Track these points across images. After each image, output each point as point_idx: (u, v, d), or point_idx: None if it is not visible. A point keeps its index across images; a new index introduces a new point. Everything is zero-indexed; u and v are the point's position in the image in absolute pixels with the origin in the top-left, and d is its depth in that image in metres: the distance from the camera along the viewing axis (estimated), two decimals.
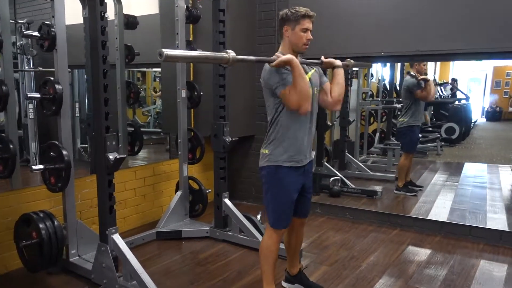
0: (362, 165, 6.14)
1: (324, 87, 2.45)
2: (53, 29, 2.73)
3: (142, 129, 4.99)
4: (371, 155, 7.61)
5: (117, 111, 4.18)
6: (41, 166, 2.74)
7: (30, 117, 5.81)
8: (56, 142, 2.82)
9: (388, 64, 7.87)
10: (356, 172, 6.12)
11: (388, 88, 8.04)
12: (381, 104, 7.39)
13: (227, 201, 3.53)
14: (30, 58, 5.68)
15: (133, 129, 4.27)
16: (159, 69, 5.11)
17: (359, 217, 4.19)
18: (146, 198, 4.02)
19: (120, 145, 4.18)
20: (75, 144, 4.65)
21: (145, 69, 5.46)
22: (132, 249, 3.32)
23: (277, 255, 2.47)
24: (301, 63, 2.29)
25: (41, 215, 2.74)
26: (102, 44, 2.56)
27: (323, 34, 4.06)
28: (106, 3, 2.59)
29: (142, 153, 4.55)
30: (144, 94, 6.00)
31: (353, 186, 5.17)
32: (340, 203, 4.60)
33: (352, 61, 2.77)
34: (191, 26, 4.25)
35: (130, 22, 4.12)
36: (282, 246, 2.87)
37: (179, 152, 3.78)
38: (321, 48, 3.98)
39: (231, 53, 1.93)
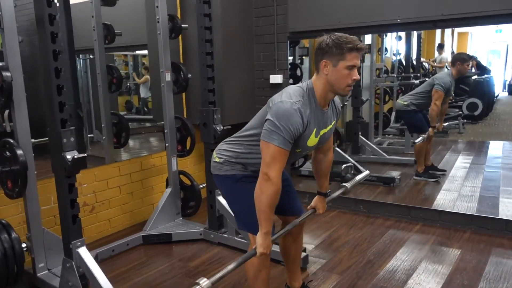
0: (377, 148, 5.60)
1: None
2: None
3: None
4: (387, 135, 7.05)
5: (98, 99, 3.75)
6: None
7: None
8: (11, 140, 2.38)
9: (403, 37, 7.24)
10: (371, 156, 5.60)
11: (404, 64, 7.41)
12: (397, 81, 6.79)
13: (221, 198, 3.06)
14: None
15: (118, 119, 3.82)
16: (145, 51, 4.62)
17: (374, 210, 3.69)
18: (134, 196, 3.59)
19: (104, 137, 3.75)
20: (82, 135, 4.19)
21: (128, 52, 4.98)
22: (114, 256, 2.95)
23: (268, 269, 2.02)
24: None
25: None
26: (50, 18, 2.08)
27: (328, 2, 3.52)
28: None
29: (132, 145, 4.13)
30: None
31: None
32: (354, 193, 4.11)
33: (348, 185, 2.39)
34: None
35: None
36: (277, 248, 2.42)
37: (166, 144, 3.31)
38: (328, 19, 3.47)
39: (204, 283, 1.55)
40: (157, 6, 3.12)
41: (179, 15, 3.80)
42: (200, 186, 3.36)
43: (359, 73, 5.36)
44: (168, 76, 3.21)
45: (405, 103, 4.54)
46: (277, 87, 3.98)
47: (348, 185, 2.29)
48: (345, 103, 5.45)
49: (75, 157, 2.10)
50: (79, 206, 2.29)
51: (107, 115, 3.73)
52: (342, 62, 1.70)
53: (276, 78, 3.94)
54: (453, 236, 3.18)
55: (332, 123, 1.93)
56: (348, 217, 3.65)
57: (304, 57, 5.85)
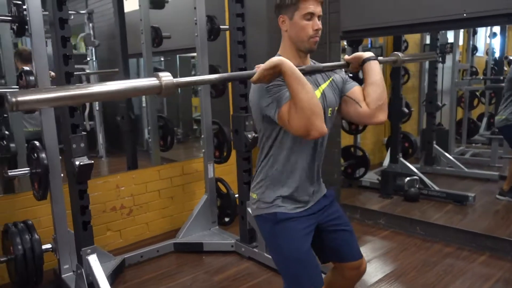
0: (454, 160, 4.97)
1: (351, 95, 1.64)
2: (24, 9, 2.31)
3: None
4: (473, 144, 6.25)
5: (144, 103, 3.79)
6: (16, 172, 2.38)
7: (96, 108, 5.78)
8: (37, 143, 2.43)
9: (498, 32, 6.38)
10: (447, 168, 5.00)
11: (497, 64, 6.52)
12: (485, 84, 6.00)
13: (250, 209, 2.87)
14: (92, 49, 5.59)
15: (164, 122, 3.83)
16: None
17: (433, 233, 3.21)
18: (174, 200, 3.54)
19: (150, 139, 3.78)
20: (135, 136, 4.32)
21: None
22: (142, 262, 2.91)
23: None
24: (313, 71, 1.56)
25: (19, 227, 2.39)
26: (60, 22, 2.06)
27: None
28: None
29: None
30: None
31: (437, 188, 4.13)
32: (413, 210, 3.66)
33: (400, 54, 1.89)
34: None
35: (157, 1, 3.64)
36: None
37: (203, 150, 3.20)
38: (382, 16, 3.10)
39: (165, 78, 1.21)
40: (195, 8, 3.02)
41: (226, 17, 3.67)
42: (236, 195, 3.20)
43: (435, 75, 4.80)
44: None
45: (502, 117, 3.82)
46: None
47: (401, 54, 1.87)
48: (412, 109, 4.87)
49: (81, 163, 2.06)
50: (90, 212, 2.26)
51: (153, 118, 3.75)
52: (297, 12, 1.51)
53: None
54: None
55: (327, 82, 1.62)
56: (401, 239, 3.23)
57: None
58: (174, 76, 1.23)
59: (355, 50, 4.72)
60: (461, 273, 2.66)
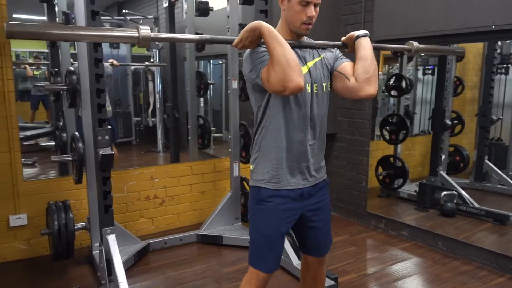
0: (506, 177, 4.68)
1: (341, 70, 1.70)
2: (73, 16, 2.68)
3: None
4: None
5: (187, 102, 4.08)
6: (60, 157, 2.76)
7: (157, 106, 6.28)
8: (76, 134, 2.80)
9: None
10: (498, 185, 4.73)
11: None
12: None
13: None
14: (156, 51, 6.09)
15: (202, 122, 4.10)
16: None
17: (455, 249, 3.11)
18: (205, 195, 3.79)
19: (189, 137, 4.07)
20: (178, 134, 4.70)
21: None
22: (166, 249, 3.18)
23: None
24: (300, 46, 1.67)
25: (58, 205, 2.76)
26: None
27: (414, 8, 3.13)
28: None
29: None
30: None
31: (476, 204, 3.95)
32: (447, 226, 3.57)
33: (415, 43, 1.95)
34: None
35: (202, 9, 3.91)
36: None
37: (230, 150, 3.41)
38: (413, 26, 3.10)
39: (144, 31, 1.39)
40: (228, 16, 3.24)
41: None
42: None
43: (490, 87, 4.54)
44: (234, 84, 3.30)
45: None
46: (360, 100, 3.70)
47: (416, 44, 1.94)
48: (455, 122, 4.66)
49: (103, 153, 2.36)
50: (111, 197, 2.55)
51: (193, 118, 4.04)
52: None
53: None
54: None
55: (317, 59, 1.70)
56: (421, 252, 3.18)
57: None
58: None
59: (401, 59, 4.66)
60: None
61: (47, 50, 6.07)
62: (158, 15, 6.16)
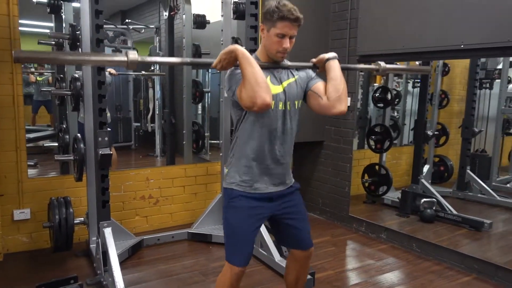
0: (486, 187, 4.91)
1: (314, 89, 1.92)
2: (79, 29, 2.94)
3: None
4: None
5: (183, 109, 4.32)
6: (63, 157, 3.00)
7: (156, 112, 6.54)
8: (79, 135, 3.04)
9: None
10: (479, 195, 4.96)
11: None
12: None
13: None
14: None
15: (197, 127, 4.35)
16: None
17: (427, 251, 3.34)
18: (198, 197, 4.02)
19: (184, 142, 4.31)
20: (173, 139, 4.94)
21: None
22: (158, 245, 3.41)
23: None
24: (272, 67, 1.89)
25: (60, 201, 2.99)
26: (97, 41, 2.62)
27: (393, 28, 3.39)
28: None
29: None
30: None
31: (454, 211, 4.18)
32: (425, 230, 3.79)
33: (382, 63, 2.20)
34: None
35: (199, 22, 4.18)
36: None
37: (220, 154, 3.65)
38: (392, 44, 3.36)
39: (131, 55, 1.63)
40: (222, 30, 3.50)
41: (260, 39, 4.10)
42: None
43: (472, 101, 4.74)
44: (226, 93, 3.54)
45: None
46: None
47: (383, 64, 2.18)
48: (435, 133, 4.89)
49: (101, 153, 2.60)
50: (109, 194, 2.79)
51: (188, 124, 4.28)
52: (273, 29, 1.79)
53: None
54: None
55: (290, 79, 1.93)
56: (395, 253, 3.41)
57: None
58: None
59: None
60: None
61: None
62: (159, 25, 6.43)
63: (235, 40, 3.57)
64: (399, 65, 2.63)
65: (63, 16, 3.53)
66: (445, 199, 4.42)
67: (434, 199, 4.25)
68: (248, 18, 3.17)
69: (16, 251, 3.23)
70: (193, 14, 4.18)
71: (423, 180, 4.53)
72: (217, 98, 6.24)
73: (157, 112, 6.51)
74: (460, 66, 5.72)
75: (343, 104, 1.87)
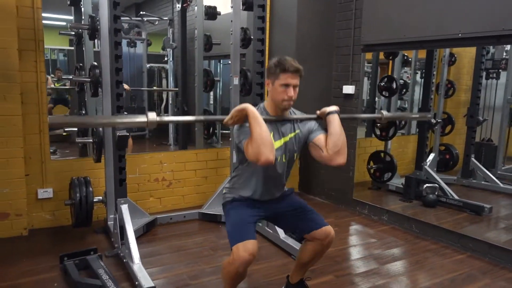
0: (490, 174, 5.03)
1: (316, 142, 2.12)
2: (98, 20, 3.14)
3: None
4: None
5: (195, 97, 4.52)
6: (83, 139, 3.24)
7: (170, 102, 6.77)
8: None
9: None
10: (482, 182, 5.08)
11: None
12: None
13: None
14: (170, 51, 6.55)
15: (208, 115, 4.54)
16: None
17: (426, 232, 3.50)
18: (208, 180, 4.23)
19: (196, 128, 4.51)
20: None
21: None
22: (171, 223, 3.65)
23: (235, 281, 2.11)
24: (275, 120, 2.10)
25: (80, 180, 3.23)
26: (115, 31, 2.82)
27: (395, 17, 3.52)
28: None
29: None
30: None
31: (456, 197, 4.31)
32: (427, 214, 3.93)
33: (384, 112, 2.42)
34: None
35: (210, 13, 4.36)
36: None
37: (230, 139, 3.84)
38: (395, 33, 3.50)
39: (151, 116, 1.81)
40: (231, 20, 3.67)
41: (267, 29, 4.27)
42: None
43: (478, 90, 4.83)
44: (236, 80, 3.73)
45: None
46: (350, 98, 4.11)
47: (385, 113, 2.40)
48: (438, 121, 5.02)
49: (119, 134, 2.82)
50: (126, 173, 3.01)
51: (199, 111, 4.48)
52: (277, 81, 2.02)
53: (348, 89, 4.07)
54: (492, 272, 2.86)
55: (291, 134, 2.15)
56: (395, 233, 3.57)
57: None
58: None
59: (392, 62, 5.04)
60: (430, 265, 2.98)
61: (69, 48, 6.59)
62: (172, 17, 6.62)
63: (244, 31, 3.73)
64: (400, 113, 2.82)
65: (82, 8, 3.74)
66: (450, 186, 4.57)
67: (436, 185, 4.39)
68: (256, 9, 3.34)
69: (40, 227, 3.48)
70: (205, 5, 4.36)
71: (427, 167, 4.67)
72: (228, 89, 6.47)
73: (170, 102, 6.74)
74: (468, 57, 5.79)
75: (341, 157, 2.05)
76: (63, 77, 5.26)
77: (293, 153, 2.17)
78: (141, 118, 1.83)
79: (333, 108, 2.13)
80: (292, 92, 2.02)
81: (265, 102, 2.16)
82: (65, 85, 6.32)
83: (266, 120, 1.96)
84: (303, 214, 2.28)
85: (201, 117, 1.94)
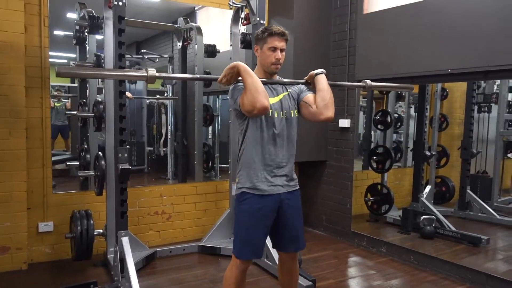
0: (486, 206, 5.08)
1: (305, 100, 2.23)
2: (103, 58, 3.29)
3: None
4: None
5: (195, 131, 4.62)
6: (85, 173, 3.31)
7: (169, 137, 6.84)
8: (100, 153, 3.34)
9: None
10: (479, 214, 5.12)
11: None
12: None
13: None
14: (170, 87, 6.71)
15: (208, 148, 4.64)
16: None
17: (424, 263, 3.52)
18: (207, 213, 4.27)
19: (195, 161, 4.59)
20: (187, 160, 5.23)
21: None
22: (170, 256, 3.66)
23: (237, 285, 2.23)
24: (277, 83, 2.23)
25: (81, 213, 3.26)
26: (119, 68, 2.95)
27: (386, 55, 3.69)
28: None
29: None
30: None
31: (453, 228, 4.35)
32: (425, 246, 3.96)
33: (368, 81, 2.49)
34: None
35: (210, 51, 4.53)
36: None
37: (229, 172, 3.91)
38: (386, 69, 3.65)
39: (150, 71, 1.94)
40: (230, 58, 3.83)
41: None
42: None
43: (470, 124, 4.94)
44: (229, 106, 3.84)
45: None
46: (346, 131, 4.22)
47: (369, 81, 2.47)
48: (433, 153, 5.14)
49: (121, 167, 2.89)
50: (127, 205, 3.06)
51: (199, 145, 4.57)
52: (266, 45, 2.15)
53: (344, 122, 4.18)
54: None
55: (284, 93, 2.23)
56: (394, 265, 3.59)
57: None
58: None
59: (386, 97, 5.20)
60: None
61: (71, 84, 6.74)
62: (173, 55, 6.83)
63: None
64: (384, 83, 2.92)
65: (87, 47, 3.89)
66: (447, 218, 4.61)
67: (433, 217, 4.43)
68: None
69: (39, 261, 3.48)
70: (205, 44, 4.54)
71: (423, 199, 4.72)
72: (227, 123, 6.57)
73: (169, 136, 6.83)
74: (459, 91, 5.97)
75: (329, 111, 2.15)
76: (63, 99, 5.38)
77: (289, 110, 2.21)
78: (141, 73, 1.94)
79: (320, 70, 2.25)
80: (279, 55, 2.14)
81: (255, 70, 2.23)
82: (65, 106, 6.39)
83: None
84: (294, 226, 2.31)
85: (197, 76, 2.04)
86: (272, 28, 2.16)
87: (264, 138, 2.15)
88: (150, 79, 1.96)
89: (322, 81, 2.21)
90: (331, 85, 2.24)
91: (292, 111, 2.24)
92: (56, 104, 6.53)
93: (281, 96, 2.23)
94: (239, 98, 2.07)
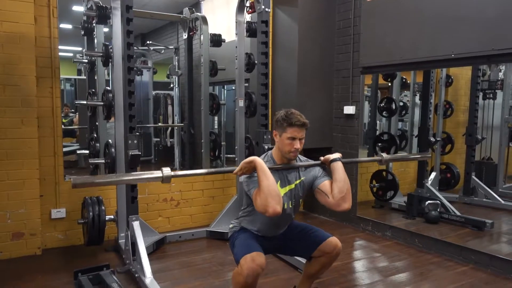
0: (491, 191, 5.12)
1: (321, 188, 2.25)
2: (111, 48, 3.35)
3: None
4: None
5: (201, 120, 4.69)
6: (94, 160, 3.38)
7: (176, 128, 6.93)
8: (110, 141, 3.42)
9: None
10: (484, 199, 5.16)
11: None
12: None
13: None
14: (176, 78, 6.78)
15: (214, 137, 4.71)
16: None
17: (429, 246, 3.58)
18: (215, 200, 4.34)
19: (203, 150, 4.66)
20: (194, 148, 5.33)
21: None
22: (180, 241, 3.74)
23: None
24: (293, 168, 2.27)
25: (93, 200, 3.35)
26: (128, 57, 3.01)
27: (391, 40, 3.72)
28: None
29: None
30: None
31: (458, 213, 4.40)
32: (430, 230, 4.01)
33: (384, 155, 2.57)
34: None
35: (215, 41, 4.59)
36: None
37: (236, 159, 3.98)
38: (391, 55, 3.68)
39: (165, 172, 1.97)
40: (236, 47, 3.88)
41: (270, 54, 4.47)
42: None
43: (475, 110, 4.96)
44: (241, 103, 3.91)
45: None
46: (351, 118, 4.26)
47: (385, 155, 2.53)
48: (438, 139, 5.19)
49: (131, 153, 2.96)
50: (137, 190, 3.14)
51: (206, 133, 4.64)
52: (285, 134, 2.17)
53: (349, 109, 4.23)
54: (494, 283, 2.93)
55: (297, 181, 2.29)
56: (399, 248, 3.65)
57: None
58: None
59: (391, 84, 5.22)
60: (434, 277, 3.05)
61: (78, 77, 6.81)
62: (178, 46, 6.89)
63: (248, 56, 3.93)
64: (400, 155, 3.00)
65: (95, 38, 3.96)
66: (452, 204, 4.66)
67: (438, 202, 4.48)
68: (259, 35, 3.54)
69: (52, 247, 3.58)
70: (210, 33, 4.59)
71: (429, 185, 4.77)
72: (233, 114, 6.65)
73: (176, 128, 6.91)
74: (464, 78, 5.98)
75: (347, 203, 2.16)
76: (70, 113, 5.46)
77: (298, 199, 2.31)
78: (157, 174, 1.99)
79: (336, 155, 2.27)
80: (298, 145, 2.17)
81: (273, 151, 2.30)
82: (73, 121, 6.51)
83: (273, 169, 2.12)
84: (306, 234, 2.39)
85: (212, 170, 2.13)
86: (292, 118, 2.15)
87: (269, 219, 2.21)
88: (165, 179, 2.00)
89: (339, 170, 2.21)
90: (348, 163, 2.28)
91: (300, 199, 2.34)
92: (63, 120, 6.64)
93: (292, 185, 2.28)
94: (253, 191, 2.09)
